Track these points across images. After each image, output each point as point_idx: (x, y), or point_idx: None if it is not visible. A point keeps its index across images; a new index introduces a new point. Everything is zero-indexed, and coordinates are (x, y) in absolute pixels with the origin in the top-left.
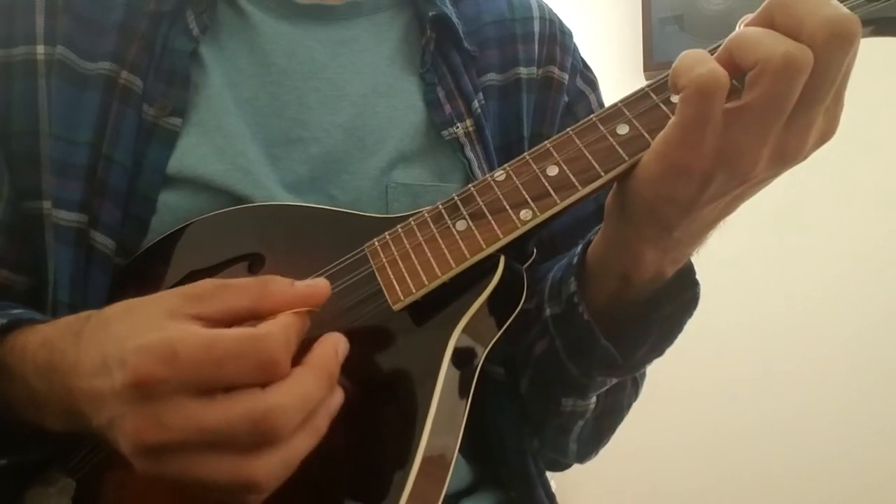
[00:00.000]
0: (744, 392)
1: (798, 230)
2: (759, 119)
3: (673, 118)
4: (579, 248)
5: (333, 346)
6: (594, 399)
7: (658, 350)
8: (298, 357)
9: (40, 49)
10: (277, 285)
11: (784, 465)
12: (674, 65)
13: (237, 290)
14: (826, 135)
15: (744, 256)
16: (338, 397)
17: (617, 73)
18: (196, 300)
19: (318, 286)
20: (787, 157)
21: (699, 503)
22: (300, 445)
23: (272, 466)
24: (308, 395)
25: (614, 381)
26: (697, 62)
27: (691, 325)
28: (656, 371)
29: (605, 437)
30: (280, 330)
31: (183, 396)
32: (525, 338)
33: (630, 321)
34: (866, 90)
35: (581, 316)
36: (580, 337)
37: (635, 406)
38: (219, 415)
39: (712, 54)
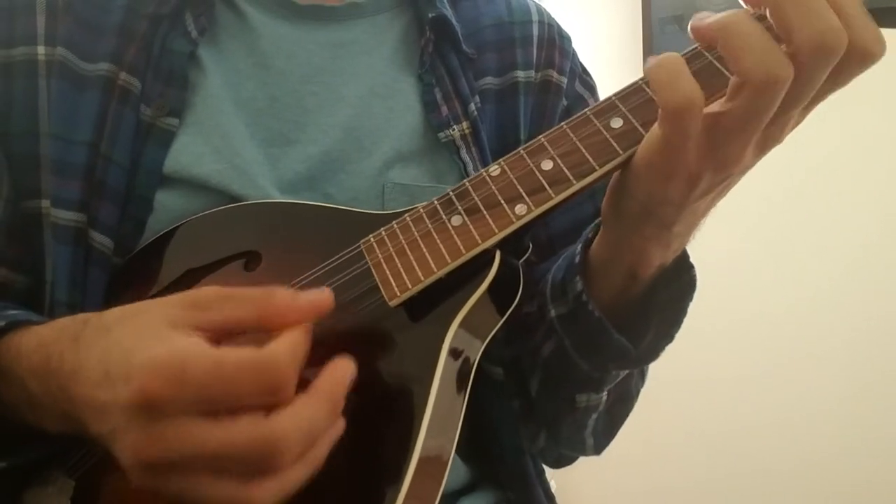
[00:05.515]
0: (744, 392)
1: (800, 227)
2: (740, 125)
3: (654, 128)
4: (579, 247)
5: (343, 375)
6: (606, 391)
7: (666, 335)
8: (300, 373)
9: (41, 50)
10: (281, 297)
11: (785, 464)
12: (650, 71)
13: (240, 300)
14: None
15: (743, 254)
16: (339, 427)
17: (617, 73)
18: (198, 310)
19: (322, 298)
20: (768, 146)
21: (699, 503)
22: (298, 475)
23: (269, 495)
24: (312, 426)
25: (626, 371)
26: (673, 78)
27: (691, 324)
28: (656, 370)
29: (618, 426)
30: (288, 351)
31: (187, 416)
32: (530, 341)
33: (632, 311)
34: (868, 90)
35: (592, 313)
36: (591, 334)
37: (635, 406)
38: (222, 438)
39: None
